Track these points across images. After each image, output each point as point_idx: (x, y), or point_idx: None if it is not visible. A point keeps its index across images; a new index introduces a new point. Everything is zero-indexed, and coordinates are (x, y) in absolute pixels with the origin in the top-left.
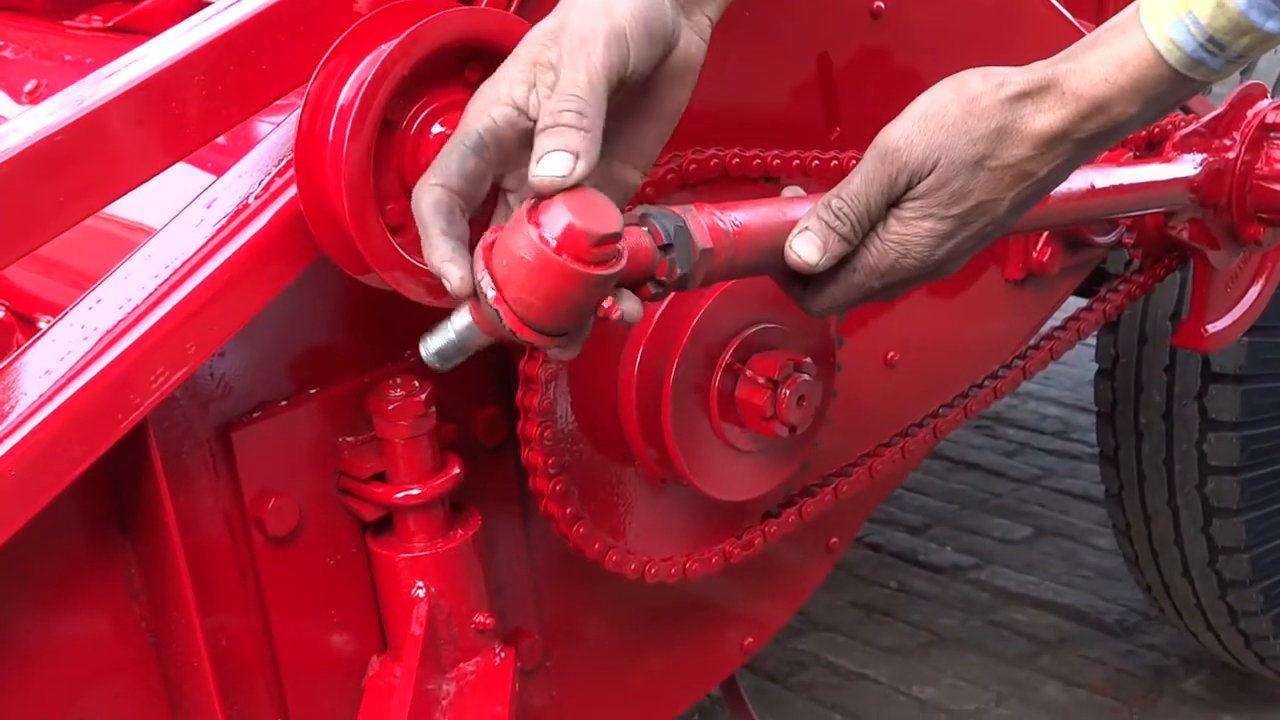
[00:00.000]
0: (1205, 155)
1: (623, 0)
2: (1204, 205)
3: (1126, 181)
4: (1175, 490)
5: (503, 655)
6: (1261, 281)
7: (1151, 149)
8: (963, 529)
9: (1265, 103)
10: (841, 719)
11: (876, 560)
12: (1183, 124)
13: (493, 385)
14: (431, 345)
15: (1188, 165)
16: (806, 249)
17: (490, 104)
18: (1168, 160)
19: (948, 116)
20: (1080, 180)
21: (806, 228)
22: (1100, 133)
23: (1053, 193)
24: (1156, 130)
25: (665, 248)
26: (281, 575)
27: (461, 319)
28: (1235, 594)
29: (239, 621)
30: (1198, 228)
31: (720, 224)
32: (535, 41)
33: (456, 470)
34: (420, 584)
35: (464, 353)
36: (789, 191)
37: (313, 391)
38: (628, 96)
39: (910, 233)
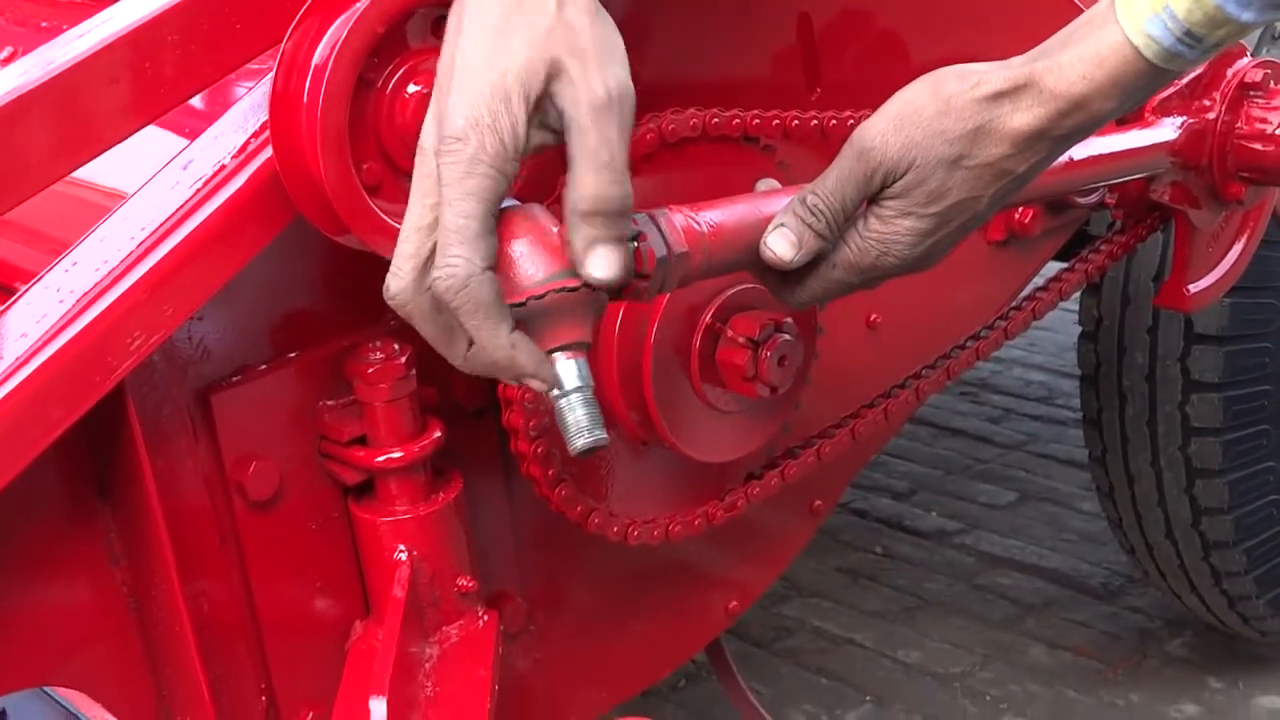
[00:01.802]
0: (1185, 117)
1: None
2: (1185, 167)
3: (1107, 151)
4: (1158, 452)
5: (486, 619)
6: (1243, 241)
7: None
8: (948, 494)
9: (1244, 61)
10: (827, 683)
11: (862, 526)
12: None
13: None
14: (582, 442)
15: (1168, 128)
16: (781, 246)
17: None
18: (1147, 125)
19: (924, 115)
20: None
21: (782, 224)
22: (1079, 128)
23: None
24: None
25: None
26: (263, 540)
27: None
28: (1219, 555)
29: (220, 587)
30: (1179, 189)
31: (695, 226)
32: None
33: (438, 434)
34: (402, 547)
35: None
36: (763, 185)
37: (292, 355)
38: None
39: (890, 231)
